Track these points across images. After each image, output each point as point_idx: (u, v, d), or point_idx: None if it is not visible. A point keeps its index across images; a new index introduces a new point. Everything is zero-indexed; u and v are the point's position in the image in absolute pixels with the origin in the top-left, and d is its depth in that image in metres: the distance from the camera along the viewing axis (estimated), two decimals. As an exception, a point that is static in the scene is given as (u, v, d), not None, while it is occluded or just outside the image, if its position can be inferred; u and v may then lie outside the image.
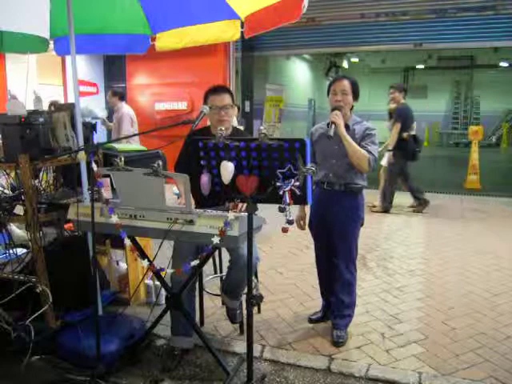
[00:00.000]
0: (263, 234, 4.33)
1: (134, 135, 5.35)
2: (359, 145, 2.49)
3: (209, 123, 2.60)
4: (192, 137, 2.54)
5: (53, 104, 5.75)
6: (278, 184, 1.86)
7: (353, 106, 2.61)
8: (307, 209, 2.68)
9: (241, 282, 2.50)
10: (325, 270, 2.79)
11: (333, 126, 2.44)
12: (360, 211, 2.63)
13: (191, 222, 2.00)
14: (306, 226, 2.76)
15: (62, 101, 6.01)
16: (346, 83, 2.53)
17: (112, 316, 2.64)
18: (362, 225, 2.67)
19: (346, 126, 2.53)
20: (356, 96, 2.58)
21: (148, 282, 3.15)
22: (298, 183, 1.83)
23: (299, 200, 1.89)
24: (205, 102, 2.54)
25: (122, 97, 6.23)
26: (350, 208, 2.59)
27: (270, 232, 4.42)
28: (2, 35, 2.94)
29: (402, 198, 6.32)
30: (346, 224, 2.60)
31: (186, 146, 2.65)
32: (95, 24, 3.23)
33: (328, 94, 2.60)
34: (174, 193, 2.84)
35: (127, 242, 2.17)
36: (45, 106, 2.98)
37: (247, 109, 8.77)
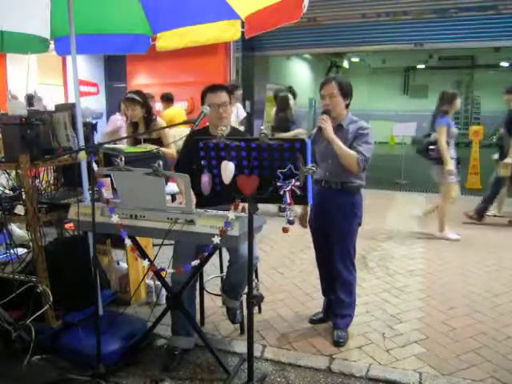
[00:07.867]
0: (263, 234, 4.34)
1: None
2: (351, 144, 2.48)
3: (207, 123, 2.61)
4: (191, 136, 2.55)
5: (28, 96, 5.69)
6: (279, 184, 1.86)
7: (348, 105, 2.58)
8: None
9: (241, 282, 2.50)
10: (325, 268, 2.79)
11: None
12: (357, 210, 2.62)
13: (192, 222, 2.00)
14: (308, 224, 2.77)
15: (39, 93, 5.86)
16: (332, 86, 2.50)
17: (113, 316, 2.63)
18: (359, 224, 2.66)
19: (340, 126, 2.53)
20: (346, 95, 2.54)
21: (149, 281, 3.16)
22: (298, 183, 1.83)
23: (300, 200, 1.89)
24: (202, 101, 2.55)
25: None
26: (347, 206, 2.59)
27: (271, 232, 4.42)
28: (2, 35, 2.94)
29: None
30: (343, 222, 2.59)
31: (186, 145, 2.65)
32: (96, 24, 3.23)
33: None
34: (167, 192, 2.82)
35: (128, 241, 2.17)
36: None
37: (248, 109, 8.77)
